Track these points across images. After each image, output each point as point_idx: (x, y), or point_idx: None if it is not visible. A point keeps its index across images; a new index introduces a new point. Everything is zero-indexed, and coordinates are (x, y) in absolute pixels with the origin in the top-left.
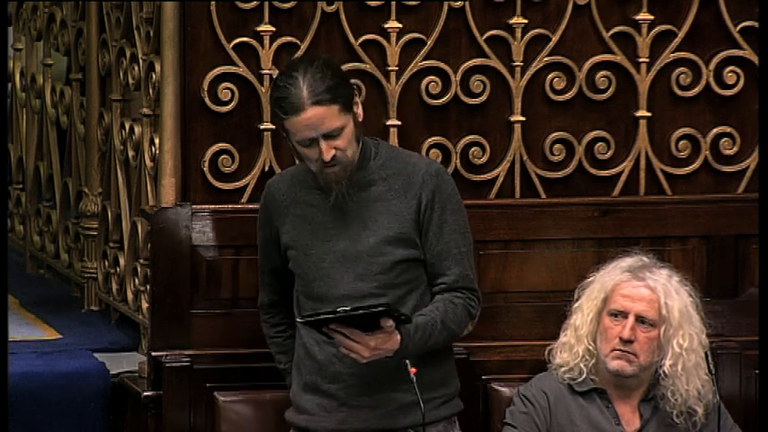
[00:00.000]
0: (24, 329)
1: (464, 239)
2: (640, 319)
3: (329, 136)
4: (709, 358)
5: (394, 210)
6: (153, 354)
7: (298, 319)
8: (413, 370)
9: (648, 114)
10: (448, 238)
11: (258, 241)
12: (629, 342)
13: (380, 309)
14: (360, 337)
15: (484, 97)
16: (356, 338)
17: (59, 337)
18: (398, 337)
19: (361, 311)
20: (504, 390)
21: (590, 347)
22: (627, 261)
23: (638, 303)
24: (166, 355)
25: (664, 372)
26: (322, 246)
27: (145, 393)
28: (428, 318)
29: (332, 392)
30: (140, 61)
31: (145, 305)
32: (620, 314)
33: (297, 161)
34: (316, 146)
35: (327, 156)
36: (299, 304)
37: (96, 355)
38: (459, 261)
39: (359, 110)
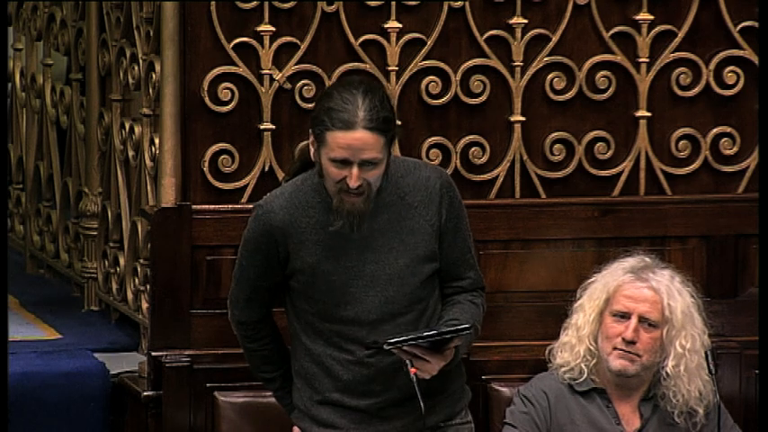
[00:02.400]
0: (24, 329)
1: (471, 242)
2: (643, 320)
3: (364, 164)
4: (709, 358)
5: (417, 227)
6: (153, 354)
7: (385, 347)
8: (413, 370)
9: (648, 114)
10: (462, 245)
11: (249, 263)
12: (631, 343)
13: (466, 332)
14: (433, 357)
15: (484, 97)
16: (431, 359)
17: (59, 337)
18: (454, 350)
19: (448, 335)
20: (504, 390)
21: (591, 347)
22: (629, 261)
23: (642, 304)
24: (166, 355)
25: (666, 372)
26: (346, 271)
27: (145, 393)
28: (467, 324)
29: (361, 408)
30: (140, 61)
31: (145, 305)
32: (624, 315)
33: (287, 174)
34: (346, 169)
35: (354, 183)
36: (308, 323)
37: (96, 355)
38: (471, 264)
39: (395, 149)
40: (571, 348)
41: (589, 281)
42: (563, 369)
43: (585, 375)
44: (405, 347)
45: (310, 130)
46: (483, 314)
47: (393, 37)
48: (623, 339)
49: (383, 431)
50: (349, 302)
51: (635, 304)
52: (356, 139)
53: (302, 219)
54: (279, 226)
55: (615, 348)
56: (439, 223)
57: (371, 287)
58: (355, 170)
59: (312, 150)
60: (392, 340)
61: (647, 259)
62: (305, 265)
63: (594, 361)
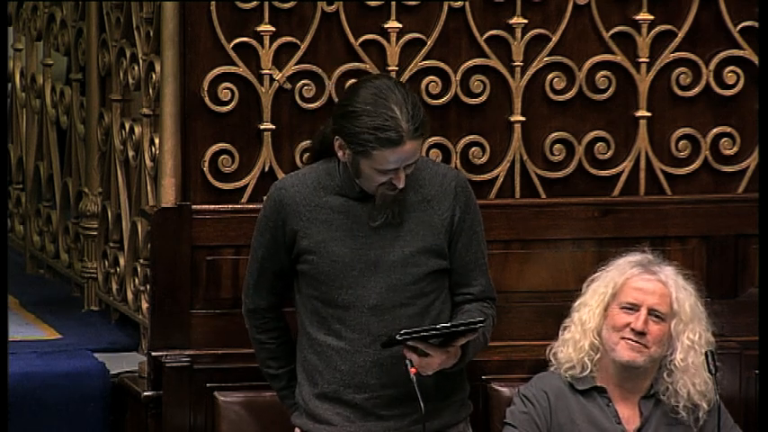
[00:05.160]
0: (24, 329)
1: (485, 250)
2: (653, 313)
3: (409, 165)
4: (710, 358)
5: (428, 220)
6: (153, 354)
7: (397, 337)
8: (413, 370)
9: (648, 114)
10: (475, 249)
11: (259, 243)
12: (641, 334)
13: (480, 325)
14: (436, 352)
15: (484, 97)
16: (433, 353)
17: (59, 337)
18: (460, 350)
19: (462, 328)
20: (504, 390)
21: (595, 342)
22: (635, 257)
23: (651, 297)
24: (166, 355)
25: (674, 365)
26: (351, 254)
27: (145, 393)
28: None
29: (356, 402)
30: (140, 61)
31: (145, 305)
32: (633, 307)
33: (308, 162)
34: (392, 173)
35: (402, 183)
36: (313, 310)
37: (96, 355)
38: (484, 271)
39: None
40: (575, 344)
41: (593, 276)
42: (566, 365)
43: (589, 370)
44: (410, 342)
45: (341, 140)
46: (493, 326)
47: (393, 37)
48: (632, 330)
49: (378, 430)
50: (350, 286)
51: (644, 296)
52: (405, 151)
53: (312, 198)
54: (288, 203)
55: (623, 338)
56: (451, 220)
57: (374, 272)
58: (402, 173)
59: (341, 154)
60: (404, 332)
61: (650, 256)
62: (311, 245)
63: (598, 356)
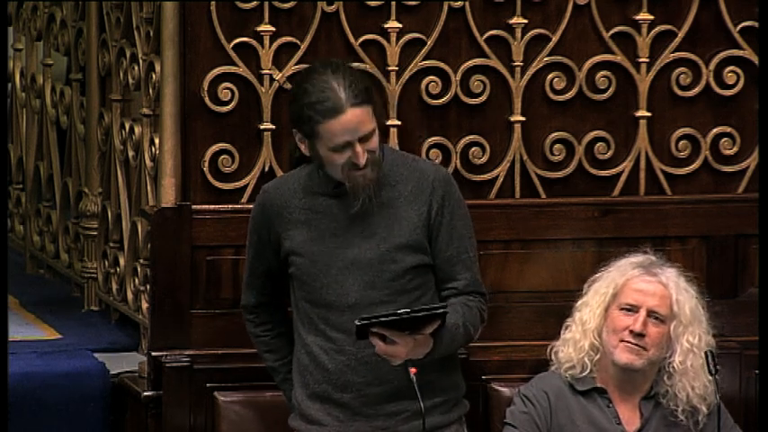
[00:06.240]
0: (24, 329)
1: (471, 244)
2: (652, 314)
3: (364, 138)
4: (710, 358)
5: (404, 216)
6: (153, 354)
7: (356, 322)
8: (413, 370)
9: (648, 114)
10: (457, 244)
11: (249, 243)
12: (640, 336)
13: (442, 311)
14: (402, 339)
15: (484, 97)
16: (399, 340)
17: (59, 337)
18: (432, 339)
19: (422, 313)
20: (504, 390)
21: (595, 342)
22: (637, 258)
23: (651, 298)
24: (166, 355)
25: (673, 368)
26: (330, 253)
27: (145, 393)
28: (452, 321)
29: (344, 402)
30: (140, 61)
31: (145, 305)
32: (633, 308)
33: (292, 166)
34: (349, 150)
35: (363, 159)
36: (303, 311)
37: (96, 355)
38: (468, 266)
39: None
40: (575, 344)
41: (595, 276)
42: (566, 365)
43: (588, 370)
44: (374, 329)
45: (295, 130)
46: (481, 320)
47: (393, 37)
48: (631, 332)
49: (366, 430)
50: (331, 285)
51: (644, 297)
52: (348, 120)
53: (292, 200)
54: (270, 205)
55: (622, 341)
56: (428, 214)
57: (352, 270)
58: (358, 148)
59: (303, 147)
60: (365, 316)
61: (653, 258)
62: (293, 246)
63: (598, 357)
